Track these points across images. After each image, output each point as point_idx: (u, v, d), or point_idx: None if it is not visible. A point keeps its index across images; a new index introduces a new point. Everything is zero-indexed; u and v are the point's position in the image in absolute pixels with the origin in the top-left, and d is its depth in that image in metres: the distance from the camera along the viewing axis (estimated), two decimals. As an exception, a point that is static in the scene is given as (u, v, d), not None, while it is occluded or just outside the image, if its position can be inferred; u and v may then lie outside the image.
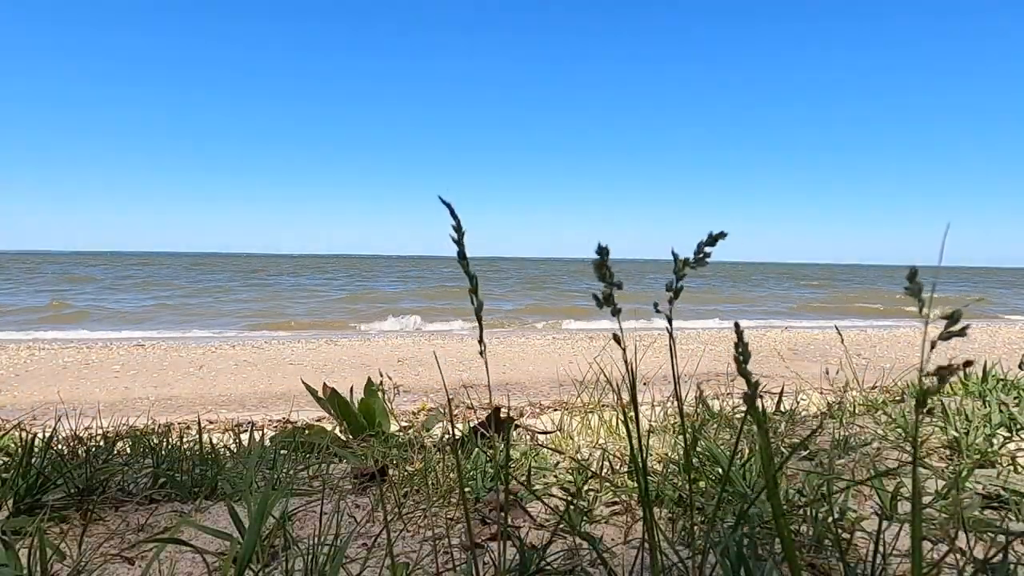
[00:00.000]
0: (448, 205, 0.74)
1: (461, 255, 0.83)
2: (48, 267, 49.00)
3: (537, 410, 3.61)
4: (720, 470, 1.52)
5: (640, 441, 0.87)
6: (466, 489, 1.65)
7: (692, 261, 0.82)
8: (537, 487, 1.61)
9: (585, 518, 1.40)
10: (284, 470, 1.79)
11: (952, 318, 0.68)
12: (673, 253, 0.83)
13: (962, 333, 0.67)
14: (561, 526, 1.32)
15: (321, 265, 74.12)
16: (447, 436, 2.41)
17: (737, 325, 0.82)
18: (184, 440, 2.14)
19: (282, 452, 2.11)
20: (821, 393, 3.21)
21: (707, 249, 0.76)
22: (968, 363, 0.65)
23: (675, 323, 0.86)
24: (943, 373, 0.67)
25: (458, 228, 0.79)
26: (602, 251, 0.79)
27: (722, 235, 0.75)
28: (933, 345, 0.70)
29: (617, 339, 0.89)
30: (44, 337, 12.95)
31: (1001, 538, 1.21)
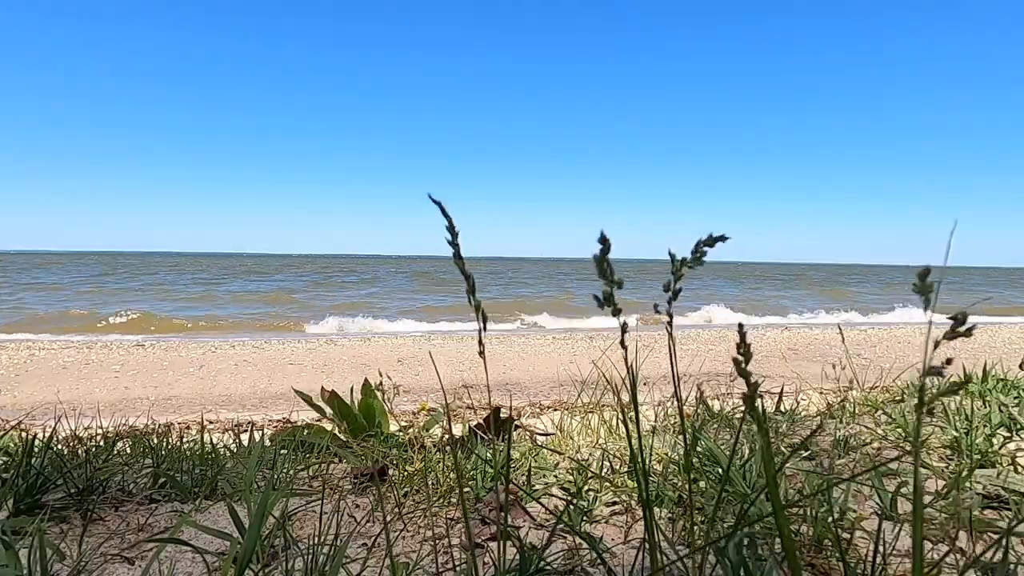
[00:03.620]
0: (439, 204, 0.73)
1: (456, 255, 0.83)
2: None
3: (537, 410, 3.61)
4: (720, 470, 1.52)
5: (640, 441, 0.87)
6: (465, 489, 1.65)
7: (689, 261, 0.82)
8: (537, 487, 1.61)
9: (585, 518, 1.39)
10: (284, 470, 1.79)
11: (957, 319, 0.68)
12: (670, 253, 0.83)
13: (967, 334, 0.67)
14: (560, 526, 1.32)
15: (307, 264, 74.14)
16: (447, 437, 2.41)
17: (741, 326, 0.82)
18: (184, 440, 2.14)
19: (282, 452, 2.11)
20: (821, 393, 3.21)
21: (705, 249, 0.76)
22: (938, 369, 0.64)
23: (675, 323, 0.86)
24: (934, 372, 0.67)
25: (451, 228, 0.79)
26: (604, 243, 0.78)
27: (722, 238, 0.75)
28: (937, 345, 0.70)
29: (624, 329, 0.90)
30: (45, 337, 12.97)
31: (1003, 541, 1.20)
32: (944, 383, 0.73)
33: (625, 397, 2.79)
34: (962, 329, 0.67)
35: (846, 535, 1.24)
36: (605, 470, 1.71)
